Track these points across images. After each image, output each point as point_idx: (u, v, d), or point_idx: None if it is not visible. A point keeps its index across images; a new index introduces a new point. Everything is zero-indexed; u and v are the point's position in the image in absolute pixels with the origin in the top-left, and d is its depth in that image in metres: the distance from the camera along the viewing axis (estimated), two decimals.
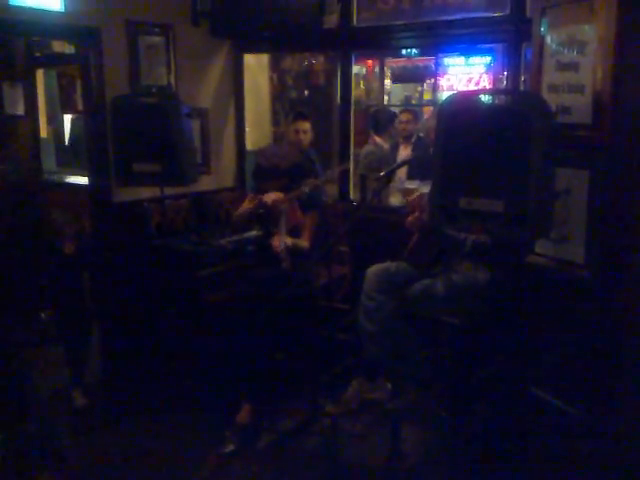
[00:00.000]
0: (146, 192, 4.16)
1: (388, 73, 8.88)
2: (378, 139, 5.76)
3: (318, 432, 3.45)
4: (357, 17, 4.36)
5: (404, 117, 5.62)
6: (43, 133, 6.46)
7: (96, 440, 3.47)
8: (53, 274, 3.89)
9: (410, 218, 3.26)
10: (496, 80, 6.97)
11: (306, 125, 4.91)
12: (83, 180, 4.88)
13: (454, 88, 7.80)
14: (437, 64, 7.86)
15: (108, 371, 4.13)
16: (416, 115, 5.82)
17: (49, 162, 6.53)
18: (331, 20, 4.37)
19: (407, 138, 5.56)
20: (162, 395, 3.80)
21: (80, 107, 5.80)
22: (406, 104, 9.07)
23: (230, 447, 3.29)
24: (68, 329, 3.86)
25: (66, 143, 6.82)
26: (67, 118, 6.94)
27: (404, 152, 5.50)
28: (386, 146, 5.57)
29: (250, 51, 5.06)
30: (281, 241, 3.47)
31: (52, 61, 6.31)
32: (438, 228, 3.01)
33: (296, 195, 3.57)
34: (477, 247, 3.03)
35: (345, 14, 4.33)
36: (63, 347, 3.91)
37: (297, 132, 4.85)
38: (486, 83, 7.61)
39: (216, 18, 4.58)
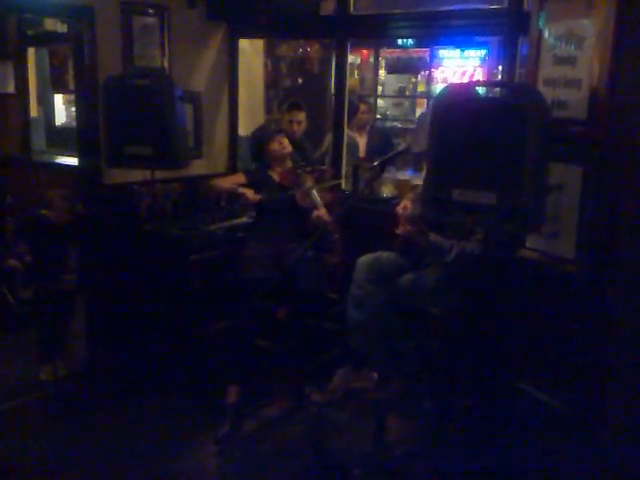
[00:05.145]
0: (137, 175, 4.11)
1: (382, 63, 8.84)
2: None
3: (303, 420, 3.46)
4: (354, 5, 4.32)
5: (363, 107, 5.64)
6: (33, 113, 6.39)
7: (82, 423, 3.46)
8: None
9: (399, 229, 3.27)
10: (490, 74, 6.95)
11: (301, 115, 4.90)
12: (73, 161, 4.84)
13: (448, 80, 7.78)
14: (432, 56, 7.84)
15: (94, 353, 4.11)
16: (371, 105, 5.83)
17: (39, 142, 6.46)
18: (328, 7, 4.33)
19: (362, 127, 5.59)
20: (148, 379, 3.79)
21: (72, 87, 5.75)
22: (400, 95, 9.07)
23: (224, 429, 3.30)
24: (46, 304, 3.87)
25: None
26: (58, 98, 6.87)
27: (361, 141, 5.52)
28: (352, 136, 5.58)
29: (246, 36, 5.00)
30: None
31: (44, 39, 6.23)
32: (425, 235, 3.02)
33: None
34: (461, 257, 3.02)
35: (342, 2, 4.29)
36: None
37: (291, 122, 4.85)
38: (480, 76, 7.59)
39: (212, 1, 4.53)
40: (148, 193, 4.16)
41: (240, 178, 3.98)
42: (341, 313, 3.51)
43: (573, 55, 2.69)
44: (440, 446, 3.13)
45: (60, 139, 6.54)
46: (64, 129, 6.64)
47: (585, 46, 2.63)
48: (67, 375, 3.87)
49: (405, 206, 3.27)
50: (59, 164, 5.90)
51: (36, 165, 5.94)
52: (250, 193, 3.82)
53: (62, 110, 6.95)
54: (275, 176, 3.92)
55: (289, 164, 3.98)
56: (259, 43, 5.65)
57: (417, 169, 4.59)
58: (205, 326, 3.92)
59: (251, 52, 5.45)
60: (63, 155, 6.04)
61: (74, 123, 5.13)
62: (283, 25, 4.72)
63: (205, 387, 3.71)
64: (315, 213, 3.70)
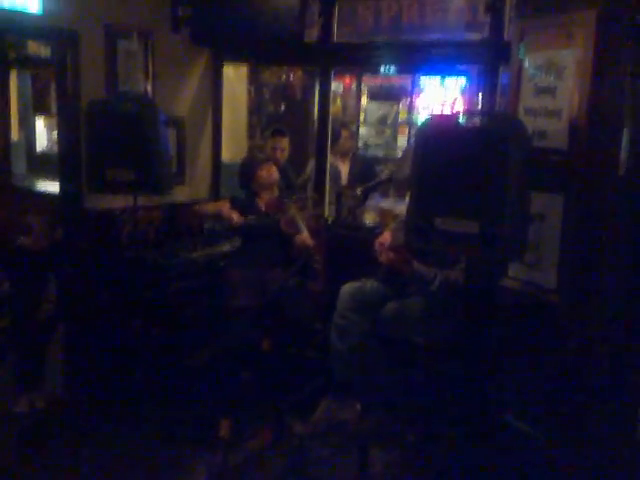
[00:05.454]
0: (119, 201, 4.07)
1: (365, 91, 8.91)
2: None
3: (285, 452, 3.40)
4: (337, 33, 4.36)
5: (345, 133, 5.68)
6: (14, 136, 6.34)
7: (60, 456, 3.37)
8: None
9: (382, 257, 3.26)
10: (471, 102, 7.03)
11: (284, 142, 4.94)
12: (54, 186, 4.79)
13: (429, 108, 7.85)
14: (413, 84, 7.92)
15: (72, 384, 4.02)
16: (353, 132, 5.86)
17: (20, 166, 6.40)
18: (312, 34, 4.36)
19: (344, 154, 5.62)
20: (129, 410, 3.71)
21: (54, 111, 5.72)
22: (382, 123, 9.13)
23: (215, 462, 3.23)
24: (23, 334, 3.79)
25: None
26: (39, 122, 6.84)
27: (343, 168, 5.54)
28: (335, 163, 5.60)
29: (230, 61, 5.02)
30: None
31: (27, 62, 6.21)
32: (409, 263, 3.01)
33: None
34: (445, 286, 3.01)
35: (326, 29, 4.32)
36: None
37: (274, 149, 4.88)
38: (461, 105, 7.68)
39: (197, 26, 4.55)
40: (130, 219, 4.12)
41: (225, 205, 3.99)
42: (324, 342, 3.47)
43: (553, 85, 2.72)
44: (423, 478, 3.09)
45: (41, 163, 6.49)
46: (45, 153, 6.60)
47: (565, 76, 2.66)
48: (44, 407, 3.78)
49: (385, 239, 3.25)
50: (40, 189, 5.84)
51: (16, 190, 5.86)
52: (235, 215, 3.86)
53: (43, 134, 6.91)
54: (261, 205, 3.93)
55: (276, 192, 4.01)
56: (243, 69, 5.68)
57: (383, 195, 4.58)
58: (188, 355, 3.87)
59: (235, 78, 5.47)
60: (44, 180, 5.98)
61: (55, 147, 5.09)
62: (267, 51, 4.75)
63: (189, 418, 3.64)
64: (298, 237, 3.71)
